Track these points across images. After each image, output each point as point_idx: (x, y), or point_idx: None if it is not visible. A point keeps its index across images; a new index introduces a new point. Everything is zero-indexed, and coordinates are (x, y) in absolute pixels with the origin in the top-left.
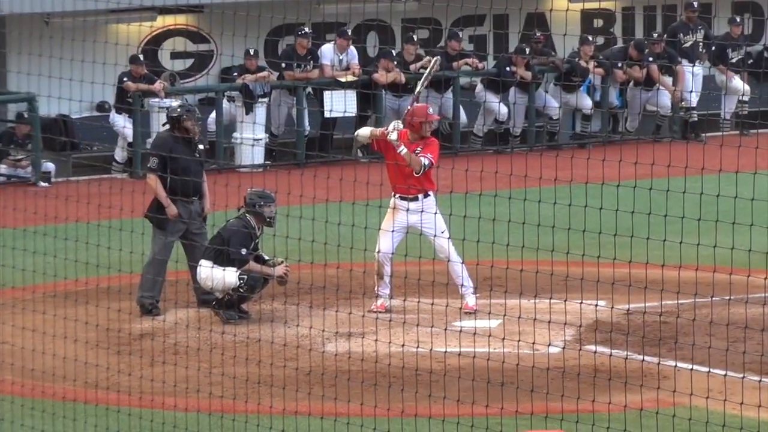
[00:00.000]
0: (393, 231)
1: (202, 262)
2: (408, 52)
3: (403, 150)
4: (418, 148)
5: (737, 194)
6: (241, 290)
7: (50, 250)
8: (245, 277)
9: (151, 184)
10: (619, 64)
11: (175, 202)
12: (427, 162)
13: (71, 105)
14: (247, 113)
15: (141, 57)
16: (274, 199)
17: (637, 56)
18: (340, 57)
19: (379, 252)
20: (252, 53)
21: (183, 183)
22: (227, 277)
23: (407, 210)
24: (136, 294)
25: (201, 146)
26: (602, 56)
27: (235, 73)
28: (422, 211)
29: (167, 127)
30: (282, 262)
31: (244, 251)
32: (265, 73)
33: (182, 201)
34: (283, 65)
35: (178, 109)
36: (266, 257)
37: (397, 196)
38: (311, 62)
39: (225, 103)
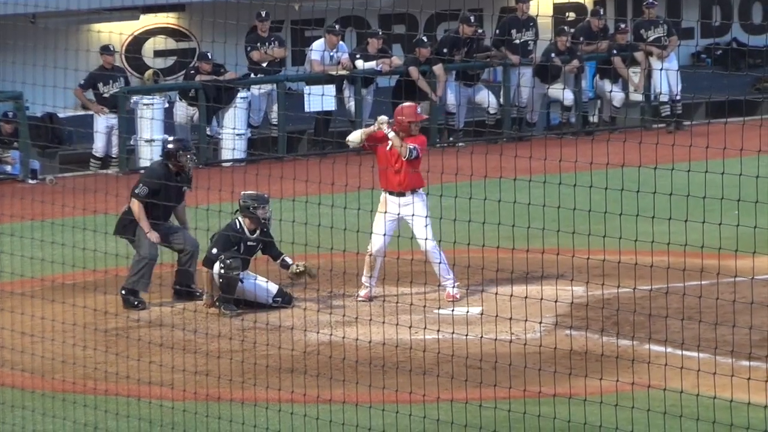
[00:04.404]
0: (385, 225)
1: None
2: (372, 46)
3: (391, 133)
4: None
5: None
6: (222, 277)
7: (37, 246)
8: (229, 261)
9: (134, 209)
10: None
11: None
12: (412, 147)
13: (56, 103)
14: (225, 109)
15: (111, 47)
16: (267, 200)
17: (597, 24)
18: (331, 54)
19: (372, 250)
20: (210, 57)
21: (164, 210)
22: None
23: (397, 204)
24: (121, 286)
25: (187, 189)
26: (572, 34)
27: (192, 72)
28: (412, 204)
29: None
30: (302, 268)
31: (214, 251)
32: (231, 73)
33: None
34: (248, 48)
35: (176, 144)
36: (289, 261)
37: (388, 191)
38: (275, 43)
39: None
